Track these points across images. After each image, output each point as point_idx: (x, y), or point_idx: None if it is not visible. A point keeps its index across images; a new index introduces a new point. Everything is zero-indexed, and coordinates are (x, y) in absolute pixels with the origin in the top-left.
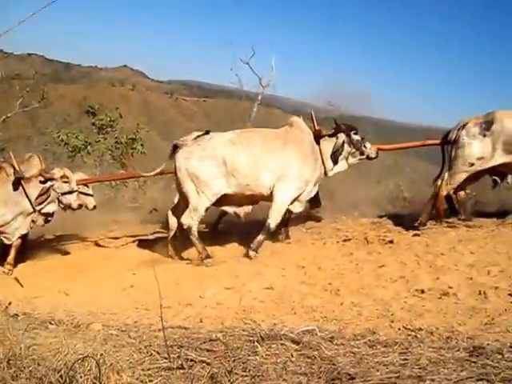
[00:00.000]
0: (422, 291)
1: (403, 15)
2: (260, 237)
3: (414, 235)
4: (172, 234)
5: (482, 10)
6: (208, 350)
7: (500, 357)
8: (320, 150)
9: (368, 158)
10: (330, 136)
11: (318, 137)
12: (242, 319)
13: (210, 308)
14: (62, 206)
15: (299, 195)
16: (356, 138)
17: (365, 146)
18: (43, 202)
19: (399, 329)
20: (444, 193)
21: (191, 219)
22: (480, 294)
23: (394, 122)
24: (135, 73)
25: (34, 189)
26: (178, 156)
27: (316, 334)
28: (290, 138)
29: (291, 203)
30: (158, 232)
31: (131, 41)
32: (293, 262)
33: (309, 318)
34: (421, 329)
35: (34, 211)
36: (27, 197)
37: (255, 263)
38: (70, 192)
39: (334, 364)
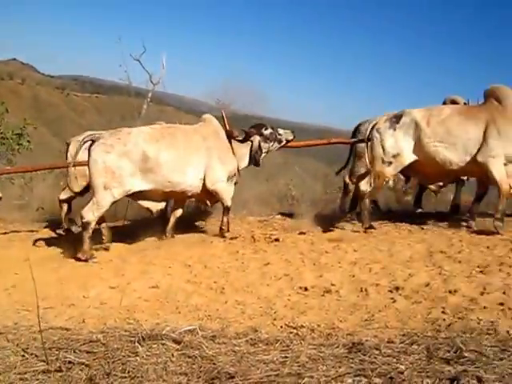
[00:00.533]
0: (306, 289)
1: (303, 16)
2: (225, 218)
3: (300, 233)
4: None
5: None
6: (88, 352)
7: (377, 352)
8: (232, 149)
9: (287, 141)
10: (242, 141)
11: (229, 137)
12: (125, 319)
13: (94, 308)
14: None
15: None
16: (268, 132)
17: (280, 134)
18: None
19: (281, 326)
20: (368, 194)
21: (92, 214)
22: (361, 290)
23: (290, 122)
24: (25, 66)
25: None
26: (95, 148)
27: (197, 334)
28: (207, 132)
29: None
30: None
31: (21, 33)
32: (179, 261)
33: (193, 317)
34: (303, 326)
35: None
36: None
37: (141, 262)
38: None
39: (214, 363)
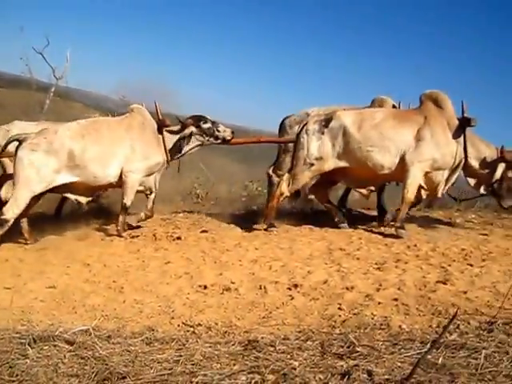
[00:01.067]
0: (205, 287)
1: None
2: (121, 217)
3: (202, 231)
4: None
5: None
6: None
7: (272, 349)
8: (163, 139)
9: (224, 140)
10: (177, 132)
11: (161, 126)
12: (18, 320)
13: None
14: None
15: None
16: (206, 126)
17: (218, 131)
18: None
19: (179, 325)
20: (285, 193)
21: (12, 212)
22: (260, 288)
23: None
24: None
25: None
26: (22, 147)
27: (91, 334)
28: (132, 123)
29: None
30: None
31: None
32: (78, 260)
33: (89, 317)
34: (200, 324)
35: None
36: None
37: (39, 261)
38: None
39: (106, 364)
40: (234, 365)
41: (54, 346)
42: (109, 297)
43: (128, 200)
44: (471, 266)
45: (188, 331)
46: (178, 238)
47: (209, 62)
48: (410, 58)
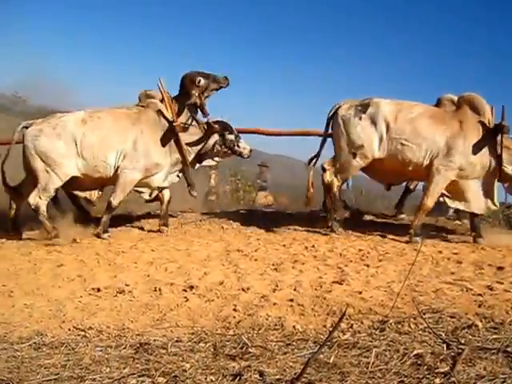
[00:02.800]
0: (98, 290)
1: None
2: (105, 217)
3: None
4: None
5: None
6: None
7: (164, 351)
8: (179, 140)
9: (240, 155)
10: (201, 140)
11: (174, 126)
12: None
13: None
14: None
15: (147, 177)
16: (230, 137)
17: (238, 146)
18: None
19: (69, 329)
20: (336, 184)
21: (39, 199)
22: (155, 290)
23: None
24: None
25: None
26: (26, 134)
27: None
28: (142, 118)
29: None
30: None
31: None
32: None
33: None
34: (91, 328)
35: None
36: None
37: None
38: None
39: None
40: (124, 368)
41: None
42: None
43: (116, 199)
44: (367, 266)
45: (79, 335)
46: (73, 240)
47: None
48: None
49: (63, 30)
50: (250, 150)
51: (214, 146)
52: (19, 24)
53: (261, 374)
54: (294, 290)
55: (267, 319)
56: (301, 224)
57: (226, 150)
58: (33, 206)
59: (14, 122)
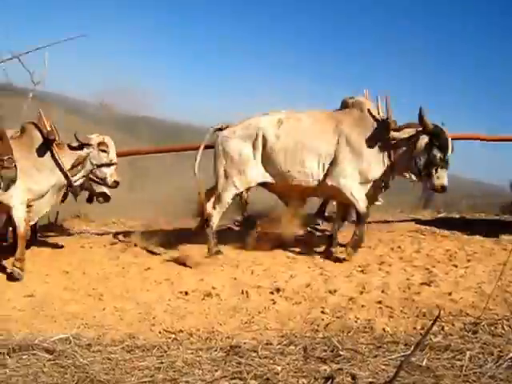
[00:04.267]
0: (186, 293)
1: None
2: (361, 228)
3: None
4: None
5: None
6: None
7: (254, 355)
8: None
9: (107, 185)
10: (73, 148)
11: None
12: None
13: None
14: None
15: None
16: (103, 155)
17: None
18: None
19: (160, 332)
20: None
21: (213, 209)
22: (242, 293)
23: (178, 124)
24: None
25: (67, 157)
26: (219, 136)
27: (71, 342)
28: (344, 120)
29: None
30: None
31: None
32: (57, 268)
33: (69, 326)
34: (181, 331)
35: (70, 185)
36: (59, 165)
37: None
38: (109, 164)
39: (87, 372)
40: (216, 371)
41: (34, 354)
42: (88, 304)
43: (361, 205)
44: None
45: (169, 338)
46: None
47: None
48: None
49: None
50: (117, 182)
51: (84, 159)
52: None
53: (353, 376)
54: (382, 291)
55: (356, 322)
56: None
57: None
58: (206, 214)
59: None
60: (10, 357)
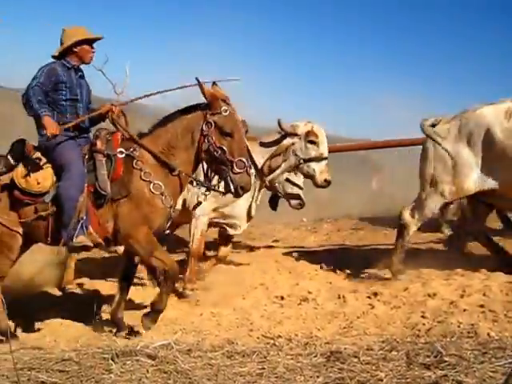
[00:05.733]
0: (282, 298)
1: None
2: None
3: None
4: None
5: None
6: (60, 371)
7: (356, 360)
8: None
9: (317, 184)
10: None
11: None
12: (97, 336)
13: (65, 326)
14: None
15: None
16: (311, 148)
17: None
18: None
19: (258, 337)
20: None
21: (411, 216)
22: (339, 297)
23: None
24: None
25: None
26: (429, 133)
27: (172, 348)
28: None
29: None
30: None
31: None
32: None
33: (168, 331)
34: (280, 336)
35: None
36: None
37: None
38: (318, 159)
39: (190, 377)
40: (318, 377)
41: (137, 360)
42: (185, 310)
43: None
44: None
45: (268, 343)
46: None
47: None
48: None
49: None
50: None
51: None
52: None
53: (459, 383)
54: (484, 295)
55: (459, 326)
56: None
57: None
58: (401, 221)
59: None
60: (114, 362)
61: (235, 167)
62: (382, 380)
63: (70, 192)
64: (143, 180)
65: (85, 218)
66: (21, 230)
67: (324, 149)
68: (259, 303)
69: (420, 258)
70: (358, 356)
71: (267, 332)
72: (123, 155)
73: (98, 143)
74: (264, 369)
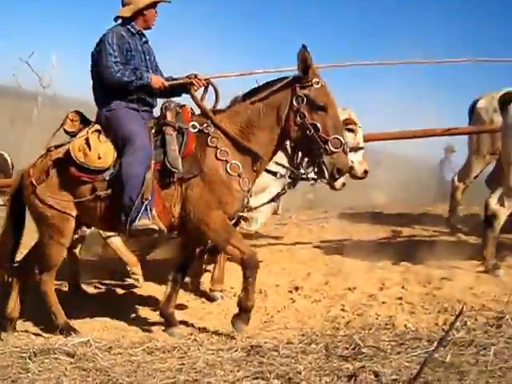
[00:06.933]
0: (203, 293)
1: None
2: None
3: None
4: None
5: None
6: None
7: (276, 354)
8: None
9: (355, 176)
10: None
11: None
12: (15, 335)
13: None
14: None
15: None
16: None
17: None
18: None
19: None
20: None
21: (500, 204)
22: (261, 292)
23: None
24: None
25: None
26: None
27: (91, 345)
28: None
29: None
30: None
31: None
32: None
33: (87, 329)
34: (200, 332)
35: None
36: None
37: None
38: (356, 149)
39: (109, 375)
40: (238, 371)
41: (55, 358)
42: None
43: None
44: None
45: (189, 339)
46: None
47: None
48: None
49: None
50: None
51: None
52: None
53: (376, 374)
54: (402, 287)
55: (377, 318)
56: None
57: None
58: (489, 212)
59: None
60: (31, 361)
61: (330, 146)
62: (300, 373)
63: (134, 168)
64: (218, 159)
65: (150, 198)
66: (74, 213)
67: (361, 137)
68: (181, 299)
69: (343, 252)
70: (277, 350)
71: (188, 327)
72: (196, 130)
73: (169, 115)
74: (184, 364)
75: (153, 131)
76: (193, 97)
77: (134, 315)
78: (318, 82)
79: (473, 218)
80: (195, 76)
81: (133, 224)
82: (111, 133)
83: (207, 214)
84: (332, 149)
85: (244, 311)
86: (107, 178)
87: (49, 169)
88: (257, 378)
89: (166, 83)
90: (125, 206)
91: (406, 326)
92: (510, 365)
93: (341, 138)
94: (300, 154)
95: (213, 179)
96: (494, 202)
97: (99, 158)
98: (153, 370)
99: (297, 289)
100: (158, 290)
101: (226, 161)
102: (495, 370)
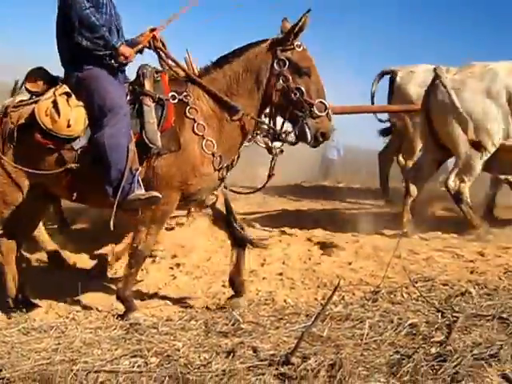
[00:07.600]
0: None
1: None
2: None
3: None
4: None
5: None
6: None
7: (155, 331)
8: None
9: None
10: None
11: None
12: None
13: None
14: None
15: None
16: None
17: None
18: None
19: (57, 313)
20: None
21: (460, 182)
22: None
23: None
24: None
25: None
26: (437, 86)
27: None
28: None
29: None
30: None
31: None
32: None
33: None
34: (78, 311)
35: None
36: None
37: None
38: None
39: None
40: (116, 349)
41: None
42: None
43: None
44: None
45: (67, 318)
46: None
47: None
48: None
49: None
50: None
51: None
52: None
53: (254, 349)
54: (283, 263)
55: (257, 294)
56: None
57: None
58: (452, 191)
59: None
60: None
61: (316, 110)
62: (179, 350)
63: (118, 140)
64: (195, 133)
65: (140, 168)
66: (27, 183)
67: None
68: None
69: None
70: (157, 327)
71: (68, 307)
72: (176, 100)
73: (147, 84)
74: (60, 344)
75: (128, 97)
76: (160, 56)
77: None
78: (299, 46)
79: None
80: (151, 30)
81: (128, 196)
82: (84, 96)
83: (164, 191)
84: (317, 113)
85: (122, 301)
86: (75, 148)
87: (12, 132)
88: (135, 356)
89: (133, 56)
90: (112, 179)
91: (285, 301)
92: (385, 337)
93: (326, 103)
94: (279, 119)
95: (184, 156)
96: (453, 182)
97: (68, 125)
98: (28, 351)
99: (178, 265)
100: None
101: (202, 136)
102: (370, 342)
